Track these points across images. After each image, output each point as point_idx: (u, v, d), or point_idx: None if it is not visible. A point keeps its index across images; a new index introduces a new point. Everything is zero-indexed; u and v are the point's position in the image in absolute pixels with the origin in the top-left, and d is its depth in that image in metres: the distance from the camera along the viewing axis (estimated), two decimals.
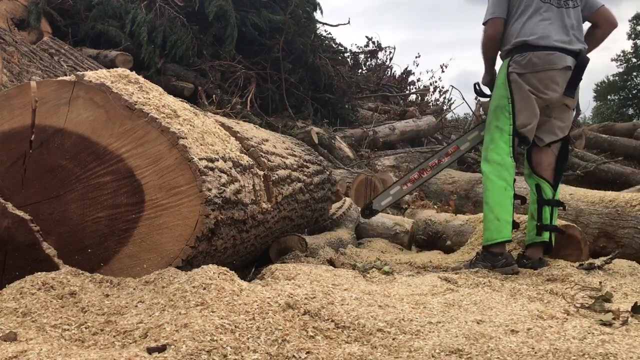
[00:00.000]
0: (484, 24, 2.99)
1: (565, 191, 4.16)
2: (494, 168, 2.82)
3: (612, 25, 3.02)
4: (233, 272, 1.79)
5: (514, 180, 2.86)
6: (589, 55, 2.94)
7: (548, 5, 2.87)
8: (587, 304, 2.09)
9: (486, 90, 3.20)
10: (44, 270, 1.71)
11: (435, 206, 5.27)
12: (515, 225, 2.88)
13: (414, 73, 17.11)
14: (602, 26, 3.01)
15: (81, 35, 7.49)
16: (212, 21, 7.62)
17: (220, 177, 2.01)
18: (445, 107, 11.54)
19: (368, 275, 2.54)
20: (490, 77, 3.14)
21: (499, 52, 3.02)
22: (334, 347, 1.42)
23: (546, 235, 2.89)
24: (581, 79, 2.89)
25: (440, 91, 12.59)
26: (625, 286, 2.49)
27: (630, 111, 27.33)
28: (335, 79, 9.04)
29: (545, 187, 2.93)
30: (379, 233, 3.96)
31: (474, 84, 3.22)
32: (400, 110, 10.15)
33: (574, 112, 3.04)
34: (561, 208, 3.03)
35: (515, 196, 2.88)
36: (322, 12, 11.03)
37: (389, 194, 3.49)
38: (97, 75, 2.02)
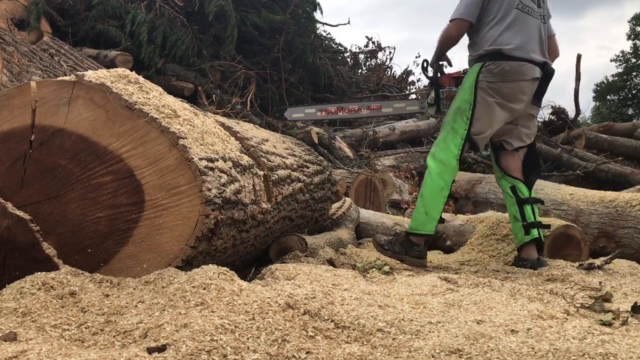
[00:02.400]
0: (450, 20, 3.01)
1: (565, 191, 4.16)
2: (438, 167, 2.88)
3: (555, 55, 3.14)
4: (233, 272, 1.79)
5: (453, 181, 2.92)
6: None
7: (527, 17, 2.92)
8: (587, 304, 2.08)
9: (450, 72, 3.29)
10: (44, 270, 1.71)
11: None
12: (441, 221, 2.96)
13: (414, 73, 17.09)
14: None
15: (81, 35, 7.49)
16: (212, 21, 7.62)
17: (220, 177, 2.01)
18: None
19: (368, 275, 2.54)
20: (437, 64, 3.21)
21: (470, 55, 3.06)
22: (334, 347, 1.42)
23: (535, 233, 2.92)
24: (546, 89, 2.96)
25: None
26: (625, 286, 2.49)
27: (630, 111, 27.31)
28: (335, 79, 9.05)
29: (520, 187, 2.97)
30: (379, 233, 3.96)
31: (423, 60, 3.32)
32: None
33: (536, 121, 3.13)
34: (540, 204, 3.09)
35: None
36: (322, 12, 11.03)
37: (303, 111, 3.65)
38: (97, 75, 2.02)
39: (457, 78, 3.28)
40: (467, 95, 2.91)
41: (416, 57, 20.95)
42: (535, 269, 2.77)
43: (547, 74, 2.93)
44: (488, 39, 2.90)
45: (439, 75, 3.26)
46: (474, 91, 2.88)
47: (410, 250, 2.84)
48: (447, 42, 3.06)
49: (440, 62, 3.22)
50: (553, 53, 3.10)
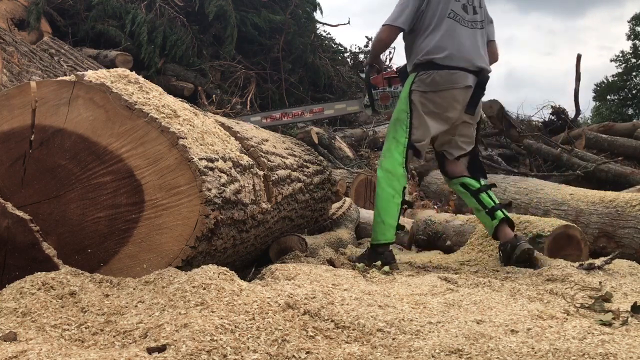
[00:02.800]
0: (383, 25, 3.09)
1: (565, 191, 4.17)
2: (386, 176, 2.97)
3: (494, 59, 3.21)
4: (233, 272, 1.79)
5: (405, 188, 2.98)
6: None
7: (458, 25, 2.98)
8: (587, 304, 2.08)
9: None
10: (44, 270, 1.71)
11: (435, 206, 5.27)
12: (401, 228, 3.05)
13: None
14: None
15: (81, 35, 7.50)
16: (212, 21, 7.63)
17: (220, 177, 2.01)
18: None
19: (368, 275, 2.54)
20: (374, 62, 3.33)
21: (407, 63, 3.15)
22: (334, 347, 1.42)
23: (499, 214, 3.00)
24: (481, 97, 3.02)
25: None
26: (625, 286, 2.48)
27: (630, 111, 27.30)
28: (335, 79, 9.06)
29: (470, 181, 3.07)
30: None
31: (358, 63, 3.45)
32: None
33: (476, 128, 3.18)
34: (494, 187, 3.18)
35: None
36: (322, 12, 11.05)
37: (249, 119, 3.81)
38: (97, 75, 2.02)
39: (390, 78, 3.35)
40: (403, 105, 3.01)
41: None
42: (515, 250, 2.86)
43: (481, 81, 2.98)
44: (422, 49, 2.97)
45: (371, 77, 3.35)
46: (408, 101, 2.98)
47: (377, 258, 2.91)
48: (377, 46, 3.20)
49: (374, 64, 3.33)
50: (492, 57, 3.15)
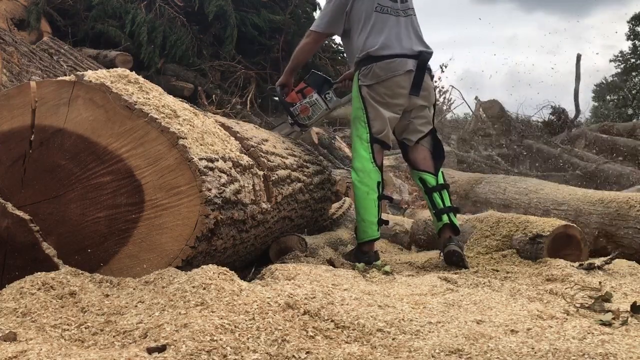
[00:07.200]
0: (309, 31, 3.18)
1: (565, 191, 4.16)
2: (358, 175, 3.02)
3: None
4: (233, 272, 1.79)
5: (379, 183, 3.01)
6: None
7: (386, 16, 3.03)
8: (587, 304, 2.08)
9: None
10: (44, 270, 1.71)
11: None
12: (385, 222, 3.09)
13: None
14: None
15: (81, 35, 7.50)
16: (212, 21, 7.63)
17: (220, 177, 2.01)
18: (445, 107, 11.52)
19: (368, 275, 2.54)
20: (285, 80, 3.37)
21: (349, 63, 3.22)
22: (334, 347, 1.42)
23: (445, 218, 3.04)
24: (423, 78, 3.02)
25: (440, 91, 12.56)
26: (625, 286, 2.48)
27: (630, 111, 27.27)
28: (335, 79, 9.04)
29: (427, 178, 3.09)
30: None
31: (269, 88, 3.42)
32: None
33: (433, 109, 3.21)
34: (447, 189, 3.18)
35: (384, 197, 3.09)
36: None
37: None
38: (96, 75, 2.02)
39: (302, 90, 3.39)
40: (357, 103, 3.05)
41: None
42: (444, 250, 2.91)
43: (421, 62, 3.01)
44: (358, 47, 3.03)
45: (284, 97, 3.38)
46: (360, 97, 3.03)
47: (361, 258, 2.94)
48: (304, 49, 3.25)
49: (284, 85, 3.36)
50: None
